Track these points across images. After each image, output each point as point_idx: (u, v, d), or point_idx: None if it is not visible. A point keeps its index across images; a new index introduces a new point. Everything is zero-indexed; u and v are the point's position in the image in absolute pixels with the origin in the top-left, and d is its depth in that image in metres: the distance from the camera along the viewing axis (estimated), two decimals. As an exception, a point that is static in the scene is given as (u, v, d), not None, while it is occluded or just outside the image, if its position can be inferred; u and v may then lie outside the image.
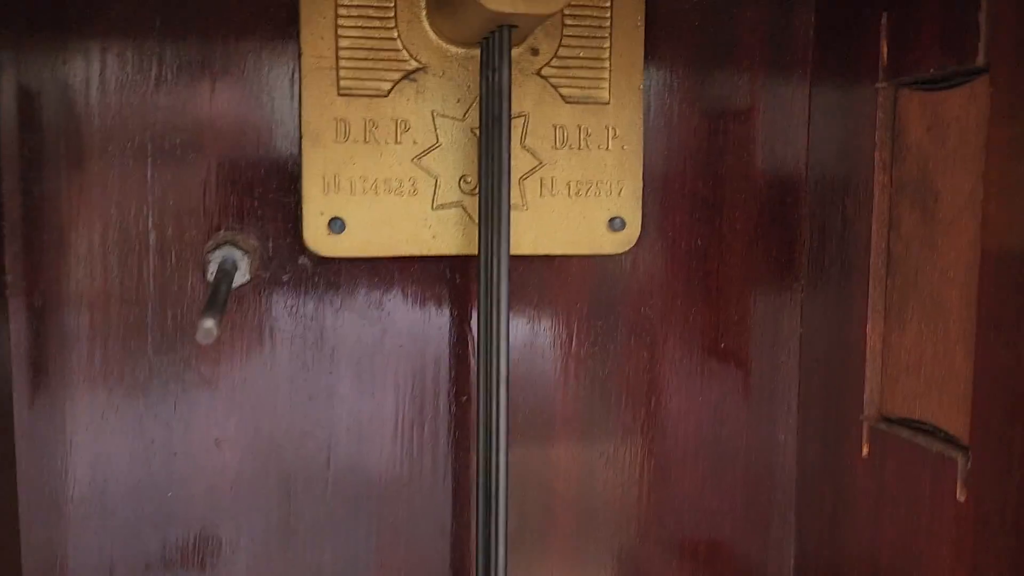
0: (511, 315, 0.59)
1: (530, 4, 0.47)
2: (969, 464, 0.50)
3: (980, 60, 0.49)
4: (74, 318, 0.54)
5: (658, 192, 0.61)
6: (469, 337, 0.60)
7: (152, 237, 0.54)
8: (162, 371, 0.55)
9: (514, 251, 0.58)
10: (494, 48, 0.51)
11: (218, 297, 0.45)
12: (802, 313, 0.65)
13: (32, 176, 0.52)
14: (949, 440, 0.52)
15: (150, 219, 0.54)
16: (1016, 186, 0.47)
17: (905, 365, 0.56)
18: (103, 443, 0.55)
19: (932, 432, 0.54)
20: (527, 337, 0.61)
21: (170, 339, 0.55)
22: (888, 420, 0.58)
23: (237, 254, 0.55)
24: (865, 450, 0.58)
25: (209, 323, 0.43)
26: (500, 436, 0.52)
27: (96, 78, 0.53)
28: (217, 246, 0.55)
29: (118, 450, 0.55)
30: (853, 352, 0.60)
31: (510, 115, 0.51)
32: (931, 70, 0.52)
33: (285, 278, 0.56)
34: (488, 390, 0.54)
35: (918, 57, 0.53)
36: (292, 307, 0.57)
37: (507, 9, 0.47)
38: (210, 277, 0.54)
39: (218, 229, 0.55)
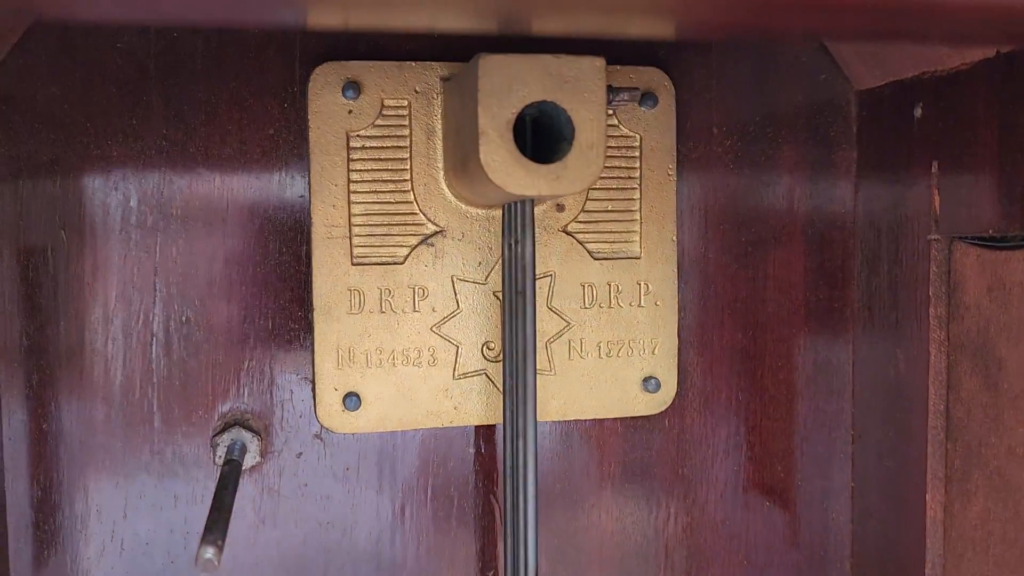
0: (539, 485, 0.55)
1: (553, 185, 0.44)
2: (1052, 673, 0.45)
3: (1045, 228, 0.45)
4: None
5: (695, 347, 0.58)
6: (496, 510, 0.56)
7: (157, 419, 0.51)
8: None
9: (541, 418, 0.54)
10: (516, 217, 0.48)
11: (220, 515, 0.42)
12: (853, 467, 0.60)
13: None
14: (1026, 635, 0.47)
15: (155, 399, 0.51)
16: (1094, 371, 0.42)
17: (971, 542, 0.52)
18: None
19: (1005, 619, 0.49)
20: (556, 507, 0.57)
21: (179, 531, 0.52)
22: (954, 597, 0.53)
23: (246, 436, 0.51)
24: (930, 632, 0.54)
25: (209, 553, 0.39)
26: (530, 636, 0.48)
27: (95, 245, 0.50)
28: (225, 427, 0.52)
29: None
30: (911, 517, 0.55)
31: (535, 287, 0.48)
32: (990, 230, 0.48)
33: (298, 455, 0.53)
34: (515, 567, 0.50)
35: (976, 214, 0.49)
36: (305, 485, 0.53)
37: (528, 191, 0.44)
38: (218, 461, 0.51)
39: (224, 408, 0.52)
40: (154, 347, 0.51)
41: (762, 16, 0.40)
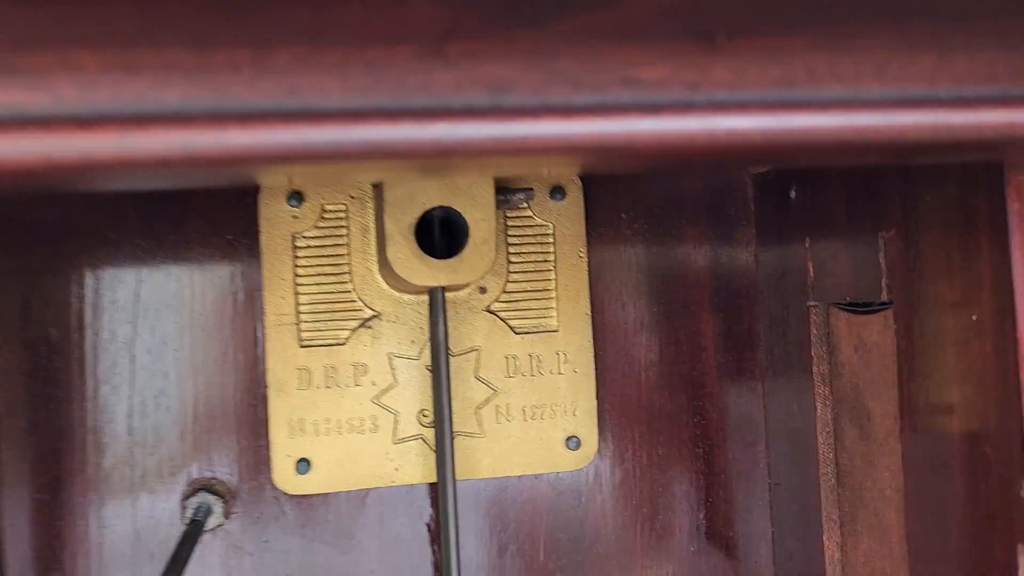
0: (469, 537, 0.61)
1: (452, 276, 0.52)
2: None
3: (884, 295, 0.51)
4: None
5: (616, 407, 0.64)
6: (439, 562, 0.62)
7: (134, 485, 0.59)
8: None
9: (472, 475, 0.61)
10: (434, 302, 0.56)
11: (174, 566, 0.50)
12: (771, 515, 0.66)
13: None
14: (902, 661, 0.52)
15: (129, 466, 0.59)
16: (923, 418, 0.48)
17: (860, 579, 0.57)
18: None
19: (890, 649, 0.54)
20: (494, 556, 0.63)
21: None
22: (853, 631, 0.58)
23: (211, 499, 0.59)
24: (831, 663, 0.59)
25: (161, 599, 0.47)
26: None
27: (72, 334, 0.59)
28: (193, 492, 0.59)
29: None
30: (818, 560, 0.60)
31: (448, 365, 0.55)
32: (847, 297, 0.55)
33: (258, 516, 0.61)
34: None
35: (837, 283, 0.56)
36: (266, 542, 0.61)
37: (430, 282, 0.52)
38: (185, 521, 0.59)
39: (193, 474, 0.60)
40: (131, 422, 0.59)
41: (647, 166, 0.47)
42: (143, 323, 0.60)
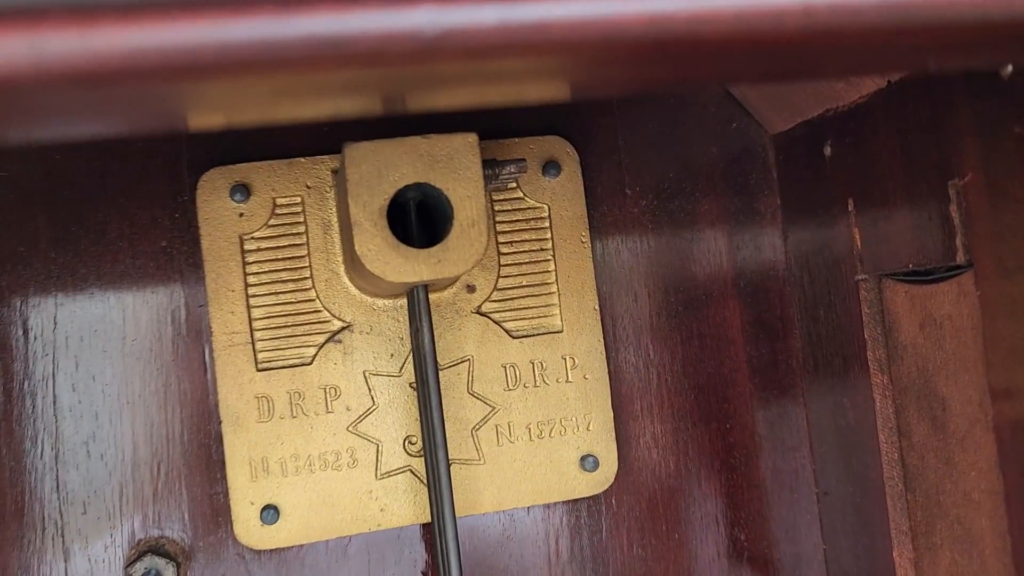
0: (482, 583, 0.52)
1: (436, 269, 0.42)
2: None
3: (961, 257, 0.42)
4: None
5: (634, 417, 0.55)
6: (439, 613, 0.52)
7: (65, 553, 0.49)
8: None
9: (473, 511, 0.51)
10: (414, 305, 0.46)
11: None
12: (822, 528, 0.57)
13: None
14: None
15: (63, 530, 0.49)
16: (1030, 403, 0.39)
17: (945, 600, 0.48)
18: None
19: None
20: (505, 604, 0.53)
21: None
22: (938, 662, 0.48)
23: (161, 563, 0.49)
24: None
25: None
26: None
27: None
28: (139, 556, 0.49)
29: None
30: (884, 578, 0.51)
31: (437, 376, 0.46)
32: (909, 264, 0.46)
33: (221, 578, 0.50)
34: None
35: (895, 248, 0.47)
36: (233, 609, 0.50)
37: (410, 278, 0.42)
38: (134, 593, 0.48)
39: (137, 534, 0.49)
40: (57, 474, 0.49)
41: (656, 69, 0.38)
42: (64, 355, 0.49)
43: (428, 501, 0.51)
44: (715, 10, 0.20)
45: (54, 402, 0.49)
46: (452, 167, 0.42)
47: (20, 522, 0.48)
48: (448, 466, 0.45)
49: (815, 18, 0.21)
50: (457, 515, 0.48)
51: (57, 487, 0.49)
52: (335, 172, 0.51)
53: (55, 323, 0.49)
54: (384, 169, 0.42)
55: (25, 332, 0.49)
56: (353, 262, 0.46)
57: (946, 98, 0.42)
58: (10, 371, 0.49)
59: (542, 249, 0.53)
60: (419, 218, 0.46)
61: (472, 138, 0.43)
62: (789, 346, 0.57)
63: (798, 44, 0.21)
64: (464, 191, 0.42)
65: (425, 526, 0.53)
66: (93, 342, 0.49)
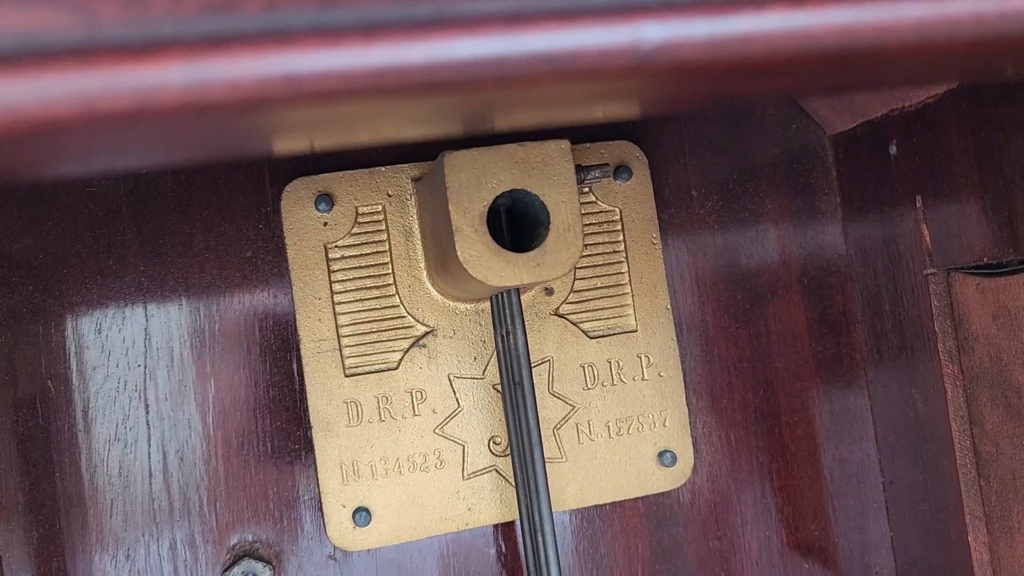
0: (567, 579, 0.53)
1: (535, 273, 0.43)
2: None
3: (1041, 249, 0.44)
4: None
5: (707, 413, 0.56)
6: (525, 610, 0.54)
7: (165, 559, 0.50)
8: None
9: (558, 508, 0.52)
10: (504, 307, 0.48)
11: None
12: (888, 517, 0.58)
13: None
14: (1097, 676, 0.45)
15: (160, 537, 0.50)
16: (1116, 389, 0.41)
17: (1023, 582, 0.49)
18: None
19: (1073, 661, 0.46)
20: (588, 599, 0.54)
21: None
22: (1015, 643, 0.50)
23: (258, 566, 0.50)
24: None
25: None
26: None
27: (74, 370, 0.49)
28: (235, 560, 0.50)
29: None
30: (958, 564, 0.52)
31: (531, 376, 0.47)
32: (984, 258, 0.47)
33: (314, 581, 0.51)
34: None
35: (968, 243, 0.48)
36: (326, 610, 0.51)
37: (510, 282, 0.43)
38: (232, 597, 0.49)
39: (232, 540, 0.50)
40: (152, 484, 0.50)
41: (724, 86, 0.39)
42: (156, 365, 0.50)
43: (514, 499, 0.52)
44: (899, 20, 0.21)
45: (146, 411, 0.50)
46: (547, 173, 0.44)
47: (114, 533, 0.49)
48: (544, 463, 0.46)
49: (986, 25, 0.22)
50: (542, 513, 0.49)
51: (151, 496, 0.50)
52: (415, 180, 0.52)
53: (146, 334, 0.50)
54: (482, 176, 0.43)
55: (118, 343, 0.50)
56: (445, 267, 0.47)
57: (1022, 94, 0.43)
58: (102, 382, 0.49)
59: (615, 251, 0.54)
60: (508, 223, 0.47)
61: (565, 144, 0.44)
62: (853, 340, 0.58)
63: (967, 51, 0.23)
64: (559, 196, 0.44)
65: (505, 526, 0.54)
66: (183, 352, 0.50)
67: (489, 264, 0.43)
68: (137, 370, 0.50)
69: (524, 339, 0.46)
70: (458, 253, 0.42)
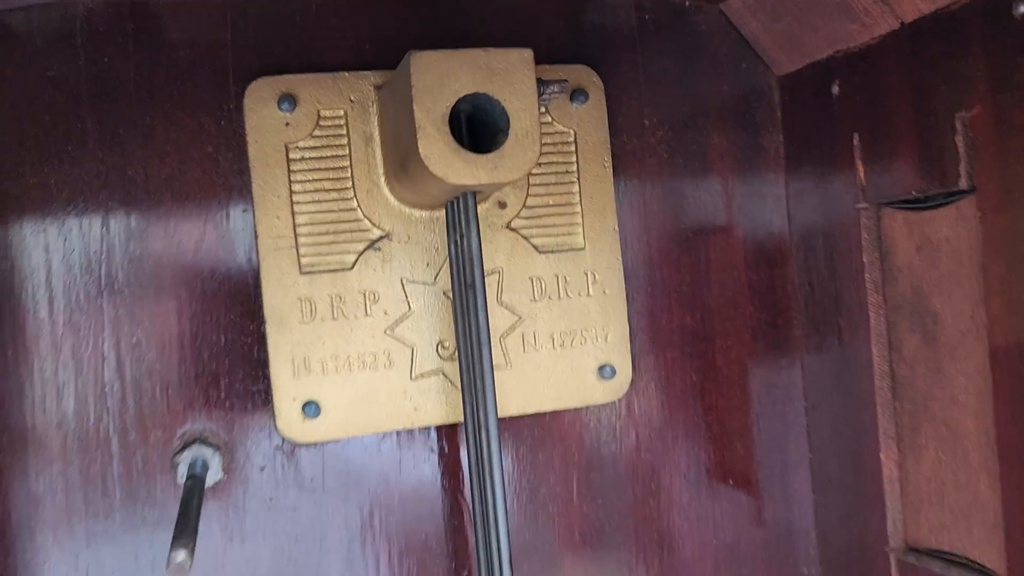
0: (505, 480, 0.55)
1: (492, 174, 0.45)
2: (1013, 607, 0.46)
3: (964, 183, 0.47)
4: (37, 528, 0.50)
5: (646, 332, 0.59)
6: (464, 508, 0.56)
7: (115, 444, 0.51)
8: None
9: (501, 413, 0.55)
10: (459, 212, 0.49)
11: (188, 521, 0.42)
12: (809, 438, 0.62)
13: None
14: (985, 573, 0.49)
15: (111, 425, 0.51)
16: (1020, 308, 0.44)
17: (927, 494, 0.53)
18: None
19: (965, 564, 0.50)
20: (524, 501, 0.57)
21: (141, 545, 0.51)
22: (916, 551, 0.54)
23: (207, 452, 0.51)
24: (896, 587, 0.55)
25: (181, 556, 0.39)
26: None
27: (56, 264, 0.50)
28: (185, 446, 0.51)
29: None
30: (868, 479, 0.56)
31: (484, 279, 0.49)
32: (912, 192, 0.51)
33: (261, 469, 0.53)
34: (489, 564, 0.50)
35: (899, 178, 0.52)
36: (271, 499, 0.53)
37: (468, 181, 0.45)
38: (180, 480, 0.50)
39: (183, 428, 0.52)
40: (106, 371, 0.50)
41: None
42: (113, 254, 0.51)
43: (459, 403, 0.54)
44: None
45: (100, 297, 0.51)
46: (509, 80, 0.45)
47: (80, 421, 0.50)
48: (491, 362, 0.48)
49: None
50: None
51: (103, 382, 0.51)
52: (378, 88, 0.53)
53: (103, 222, 0.51)
54: (446, 78, 0.44)
55: (75, 229, 0.50)
56: (404, 170, 0.48)
57: (959, 38, 0.46)
58: (60, 269, 0.50)
59: (568, 172, 0.56)
60: (468, 130, 0.48)
61: (528, 54, 0.46)
62: (786, 272, 0.61)
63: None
64: (519, 103, 0.45)
65: (448, 428, 0.56)
66: (141, 242, 0.51)
67: (449, 163, 0.44)
68: (94, 256, 0.50)
69: (478, 242, 0.48)
70: (420, 151, 0.44)
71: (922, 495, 0.53)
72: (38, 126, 0.50)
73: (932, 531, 0.53)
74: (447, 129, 0.44)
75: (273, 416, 0.52)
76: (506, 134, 0.45)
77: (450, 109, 0.44)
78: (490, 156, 0.45)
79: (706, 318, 0.60)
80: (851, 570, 0.59)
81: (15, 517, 0.49)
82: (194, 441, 0.51)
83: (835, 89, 0.56)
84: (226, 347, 0.52)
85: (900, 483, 0.55)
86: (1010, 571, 0.47)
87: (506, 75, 0.45)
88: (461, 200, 0.49)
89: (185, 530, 0.41)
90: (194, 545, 0.41)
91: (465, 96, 0.45)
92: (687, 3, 0.59)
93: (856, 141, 0.54)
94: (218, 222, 0.52)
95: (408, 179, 0.49)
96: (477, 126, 0.49)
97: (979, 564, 0.50)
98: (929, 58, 0.48)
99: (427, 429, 0.55)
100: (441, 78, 0.44)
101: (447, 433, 0.56)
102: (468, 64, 0.45)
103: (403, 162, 0.48)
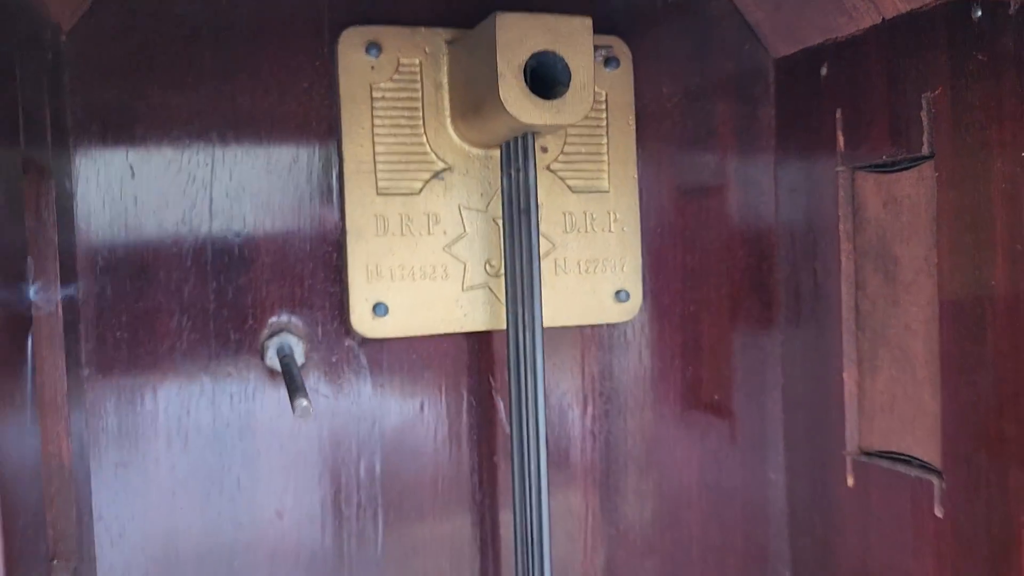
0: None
1: (555, 117, 0.55)
2: (944, 485, 0.58)
3: (925, 150, 0.58)
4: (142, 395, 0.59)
5: (654, 266, 0.70)
6: (498, 403, 0.66)
7: (213, 328, 0.60)
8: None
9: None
10: (518, 150, 0.59)
11: (296, 380, 0.52)
12: (783, 365, 0.74)
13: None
14: (924, 466, 0.61)
15: (211, 310, 0.60)
16: (964, 251, 0.56)
17: (880, 406, 0.65)
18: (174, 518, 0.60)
19: (908, 461, 0.62)
20: (550, 400, 0.68)
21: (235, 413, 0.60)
22: (868, 454, 0.66)
23: (292, 340, 0.61)
24: (850, 481, 0.67)
25: (304, 402, 0.49)
26: (541, 492, 0.59)
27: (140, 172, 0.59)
28: (273, 334, 0.61)
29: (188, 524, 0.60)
30: (831, 396, 0.68)
31: (537, 207, 0.59)
32: (883, 157, 0.62)
33: (334, 359, 0.63)
34: (523, 449, 0.61)
35: (872, 146, 0.63)
36: (340, 385, 0.63)
37: (536, 121, 0.55)
38: (268, 362, 0.60)
39: (271, 319, 0.61)
40: (209, 261, 0.60)
41: None
42: (221, 167, 0.60)
43: (501, 312, 0.64)
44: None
45: (210, 203, 0.60)
46: (572, 42, 0.56)
47: (187, 303, 0.59)
48: (540, 279, 0.59)
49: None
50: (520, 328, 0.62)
51: (208, 280, 0.60)
52: (449, 43, 0.63)
53: (216, 138, 0.60)
54: (524, 37, 0.54)
55: (192, 143, 0.59)
56: (477, 111, 0.58)
57: (928, 33, 0.58)
58: (178, 174, 0.59)
59: (599, 126, 0.67)
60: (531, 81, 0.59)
61: (588, 21, 0.56)
62: (772, 224, 0.73)
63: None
64: (579, 61, 0.56)
65: (485, 336, 0.66)
66: (245, 159, 0.60)
67: (523, 105, 0.54)
68: (205, 168, 0.60)
69: (535, 174, 0.58)
70: (500, 93, 0.54)
71: (876, 407, 0.65)
72: (165, 55, 0.59)
73: (883, 436, 0.65)
74: (522, 77, 0.54)
75: (348, 314, 0.62)
76: (565, 86, 0.56)
77: (526, 60, 0.55)
78: (555, 102, 0.55)
79: (703, 258, 0.71)
80: (813, 472, 0.71)
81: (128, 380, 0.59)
82: (281, 330, 0.61)
83: (823, 71, 0.67)
84: (311, 252, 0.62)
85: (858, 399, 0.67)
86: (944, 462, 0.59)
87: (570, 37, 0.56)
88: (521, 139, 0.59)
89: (298, 386, 0.51)
90: (308, 395, 0.51)
91: (535, 52, 0.56)
92: (703, -10, 0.70)
93: (838, 115, 0.66)
94: (309, 146, 0.62)
95: (479, 120, 0.59)
96: (536, 78, 0.59)
97: (920, 460, 0.62)
98: (903, 48, 0.60)
99: (470, 336, 0.66)
100: (520, 36, 0.55)
101: (485, 340, 0.66)
102: (541, 26, 0.55)
103: (477, 105, 0.58)
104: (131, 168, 0.58)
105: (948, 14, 0.57)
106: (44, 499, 0.48)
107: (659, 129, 0.70)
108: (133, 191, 0.58)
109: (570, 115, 0.55)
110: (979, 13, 0.55)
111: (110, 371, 0.58)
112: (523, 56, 0.54)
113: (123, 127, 0.58)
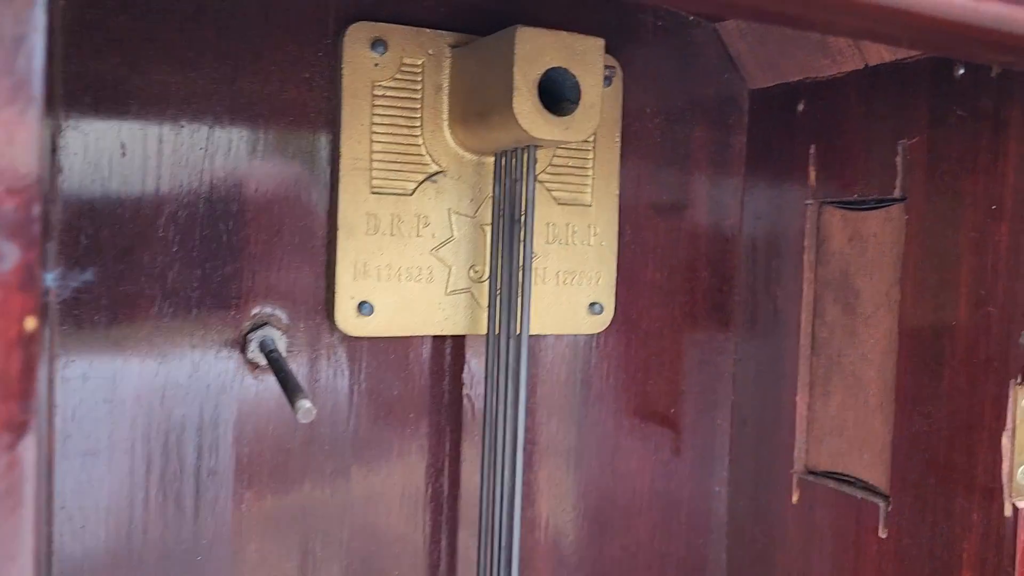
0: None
1: (564, 133, 0.56)
2: (890, 507, 0.62)
3: (897, 193, 0.62)
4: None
5: (625, 281, 0.72)
6: (471, 406, 0.67)
7: (194, 312, 0.58)
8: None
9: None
10: (519, 161, 0.60)
11: (291, 379, 0.51)
12: (734, 384, 0.77)
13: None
14: (870, 489, 0.65)
15: (192, 298, 0.58)
16: (928, 290, 0.60)
17: (830, 429, 0.69)
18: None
19: (855, 483, 0.67)
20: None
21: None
22: (815, 473, 0.70)
23: (275, 334, 0.60)
24: (795, 497, 0.70)
25: (307, 403, 0.49)
26: (515, 494, 0.60)
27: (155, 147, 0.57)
28: (255, 326, 0.60)
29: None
30: (782, 416, 0.72)
31: (533, 215, 0.60)
32: (855, 195, 0.66)
33: (313, 355, 0.62)
34: (495, 450, 0.62)
35: (844, 184, 0.67)
36: (317, 381, 0.62)
37: (546, 136, 0.56)
38: (250, 355, 0.59)
39: (255, 312, 0.60)
40: (198, 239, 0.58)
41: None
42: (216, 151, 0.58)
43: (481, 318, 0.65)
44: None
45: (200, 184, 0.58)
46: (585, 60, 0.57)
47: (159, 292, 0.57)
48: (530, 288, 0.60)
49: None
50: (498, 334, 0.63)
51: (193, 266, 0.58)
52: (452, 47, 0.63)
53: (212, 120, 0.58)
54: (541, 52, 0.55)
55: (186, 124, 0.57)
56: (484, 119, 0.59)
57: (911, 84, 0.62)
58: (173, 155, 0.57)
59: (587, 140, 0.68)
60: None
61: (601, 42, 0.57)
62: (736, 249, 0.76)
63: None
64: (590, 80, 0.57)
65: (456, 341, 0.67)
66: (240, 145, 0.59)
67: (534, 119, 0.55)
68: (199, 152, 0.58)
69: (534, 186, 0.59)
70: (514, 107, 0.55)
71: (826, 430, 0.69)
72: (167, 30, 0.57)
73: (831, 457, 0.69)
74: (536, 92, 0.55)
75: (332, 311, 0.61)
76: (573, 103, 0.57)
77: (541, 76, 0.55)
78: (565, 119, 0.56)
79: (670, 277, 0.74)
80: (757, 488, 0.75)
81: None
82: (264, 323, 0.60)
83: (800, 107, 0.71)
84: (299, 246, 0.61)
85: (808, 420, 0.71)
86: (892, 486, 0.63)
87: (584, 55, 0.57)
88: (523, 150, 0.60)
89: (295, 385, 0.51)
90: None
91: (548, 68, 0.56)
92: (691, 18, 0.73)
93: (812, 151, 0.69)
94: (306, 138, 0.61)
95: (483, 127, 0.59)
96: (542, 92, 0.60)
97: (865, 482, 0.66)
98: (884, 95, 0.64)
99: (444, 339, 0.66)
100: (538, 51, 0.55)
101: (459, 344, 0.67)
102: (558, 43, 0.56)
103: (483, 113, 0.59)
104: (122, 145, 0.56)
105: (932, 68, 0.61)
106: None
107: (640, 148, 0.72)
108: (122, 170, 0.56)
109: (578, 132, 0.57)
110: (961, 71, 0.59)
111: (85, 355, 0.56)
112: (539, 71, 0.55)
113: (117, 102, 0.56)
